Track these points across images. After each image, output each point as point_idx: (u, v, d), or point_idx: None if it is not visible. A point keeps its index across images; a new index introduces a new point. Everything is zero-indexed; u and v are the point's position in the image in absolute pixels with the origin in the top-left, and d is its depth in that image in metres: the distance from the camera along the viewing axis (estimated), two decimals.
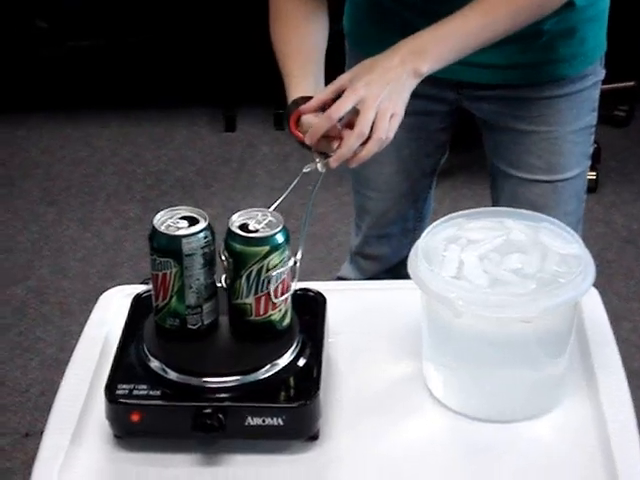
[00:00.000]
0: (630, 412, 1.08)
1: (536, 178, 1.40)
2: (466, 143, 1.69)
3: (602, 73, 1.52)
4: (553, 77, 1.45)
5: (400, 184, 1.63)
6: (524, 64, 1.39)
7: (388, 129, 1.20)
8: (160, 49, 3.33)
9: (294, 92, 1.31)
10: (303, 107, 1.25)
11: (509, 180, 1.54)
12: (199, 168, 3.06)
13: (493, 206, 1.61)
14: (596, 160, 2.89)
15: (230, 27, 3.05)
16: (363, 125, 1.19)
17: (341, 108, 1.20)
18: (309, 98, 1.28)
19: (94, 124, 3.26)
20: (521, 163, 1.51)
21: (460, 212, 1.15)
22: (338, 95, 1.23)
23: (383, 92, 1.21)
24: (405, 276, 1.12)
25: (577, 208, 1.60)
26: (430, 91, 1.51)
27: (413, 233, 1.69)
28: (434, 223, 1.15)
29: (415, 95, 1.56)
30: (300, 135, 1.26)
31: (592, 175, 2.86)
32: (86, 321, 1.25)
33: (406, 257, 1.53)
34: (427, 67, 1.25)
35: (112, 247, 2.69)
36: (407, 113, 1.57)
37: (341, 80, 1.25)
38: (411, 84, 1.25)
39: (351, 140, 1.19)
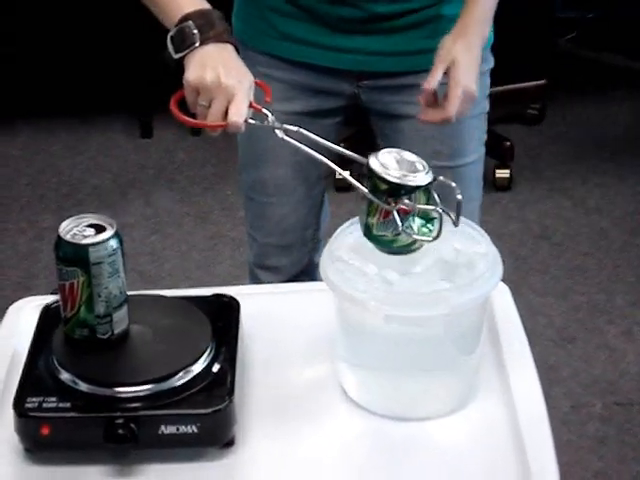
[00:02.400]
0: (541, 406, 1.10)
1: (440, 164, 1.41)
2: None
3: (492, 61, 1.56)
4: None
5: (297, 186, 1.62)
6: (427, 50, 1.41)
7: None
8: (72, 55, 3.28)
9: (188, 6, 1.25)
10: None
11: None
12: (115, 176, 3.03)
13: None
14: (509, 158, 2.94)
15: (144, 32, 3.02)
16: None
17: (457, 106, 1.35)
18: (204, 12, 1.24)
19: (5, 134, 3.20)
20: (425, 150, 1.53)
21: None
22: None
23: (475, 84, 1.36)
24: None
25: (478, 194, 1.62)
26: (328, 85, 1.52)
27: (312, 242, 1.69)
28: (344, 224, 1.15)
29: (313, 91, 1.55)
30: (188, 120, 1.23)
31: (505, 173, 2.91)
32: None
33: (305, 266, 1.51)
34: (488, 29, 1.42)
35: (27, 258, 2.64)
36: (304, 113, 1.56)
37: (442, 60, 1.36)
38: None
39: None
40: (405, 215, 1.08)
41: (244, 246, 2.68)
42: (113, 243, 1.07)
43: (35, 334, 1.15)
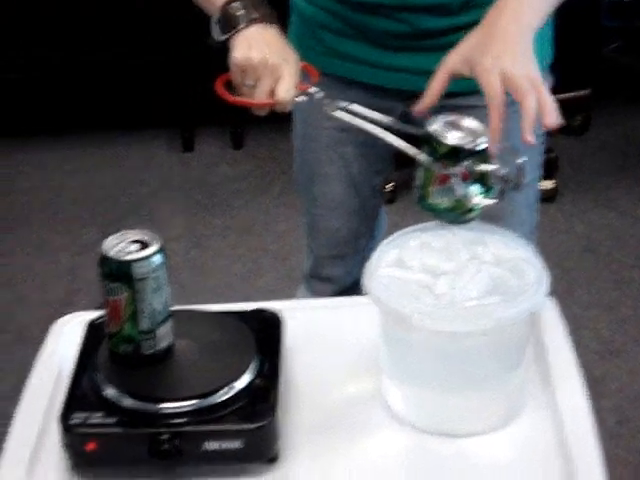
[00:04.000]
0: (588, 421, 1.08)
1: None
2: None
3: (549, 81, 1.52)
4: None
5: (350, 201, 1.62)
6: None
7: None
8: (116, 70, 3.31)
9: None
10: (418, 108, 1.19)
11: None
12: (157, 190, 3.05)
13: None
14: (554, 169, 2.92)
15: (187, 47, 3.04)
16: (531, 110, 1.10)
17: (498, 92, 1.11)
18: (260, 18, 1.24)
19: (48, 149, 3.23)
20: None
21: (414, 227, 1.15)
22: None
23: (517, 63, 1.13)
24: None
25: (530, 218, 1.59)
26: (378, 103, 1.50)
27: (365, 252, 1.68)
28: (388, 238, 1.14)
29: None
30: (236, 99, 1.23)
31: (551, 184, 2.89)
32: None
33: (359, 276, 1.48)
34: (534, 19, 1.21)
35: (70, 273, 2.66)
36: (356, 130, 1.54)
37: (450, 63, 1.19)
38: (530, 40, 1.18)
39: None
40: (463, 181, 1.06)
41: (286, 259, 2.69)
42: (157, 259, 1.07)
43: (80, 350, 1.15)
